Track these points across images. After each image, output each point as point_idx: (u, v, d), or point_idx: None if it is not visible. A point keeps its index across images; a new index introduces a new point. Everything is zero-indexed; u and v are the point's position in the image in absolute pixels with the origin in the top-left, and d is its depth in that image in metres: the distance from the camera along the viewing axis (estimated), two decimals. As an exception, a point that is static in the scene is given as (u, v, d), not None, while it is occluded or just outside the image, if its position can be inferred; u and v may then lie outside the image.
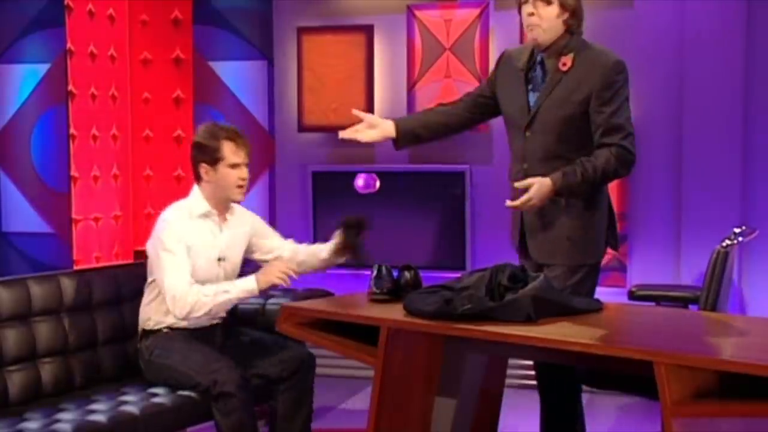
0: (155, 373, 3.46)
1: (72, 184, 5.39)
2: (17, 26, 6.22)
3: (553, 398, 3.38)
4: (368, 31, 5.61)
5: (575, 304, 2.97)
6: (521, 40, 5.29)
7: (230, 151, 3.43)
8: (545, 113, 3.26)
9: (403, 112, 5.57)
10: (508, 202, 3.15)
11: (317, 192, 5.65)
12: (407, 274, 3.20)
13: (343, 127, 5.66)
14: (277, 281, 3.31)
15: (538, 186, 3.11)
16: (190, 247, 3.46)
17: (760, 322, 3.05)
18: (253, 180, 5.91)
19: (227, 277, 3.56)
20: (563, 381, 3.34)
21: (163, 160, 5.65)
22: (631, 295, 4.39)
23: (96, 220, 5.42)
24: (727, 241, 3.58)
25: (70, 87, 5.38)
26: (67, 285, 3.58)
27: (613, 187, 5.18)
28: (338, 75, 5.67)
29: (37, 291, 3.48)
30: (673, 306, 4.14)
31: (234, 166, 3.44)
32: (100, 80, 5.54)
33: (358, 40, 5.64)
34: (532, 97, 3.30)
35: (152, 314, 3.53)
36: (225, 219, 3.57)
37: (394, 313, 3.00)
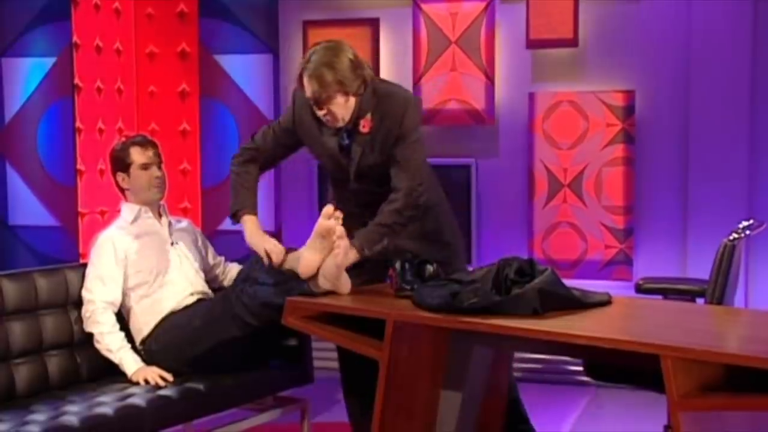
0: (173, 351, 3.46)
1: (78, 178, 5.41)
2: (23, 20, 6.22)
3: None
4: (374, 24, 5.60)
5: (582, 297, 2.97)
6: (527, 34, 5.28)
7: (137, 154, 3.62)
8: (366, 171, 3.38)
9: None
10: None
11: (322, 185, 5.64)
12: (430, 268, 3.19)
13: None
14: (150, 380, 3.38)
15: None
16: (135, 242, 3.56)
17: (767, 315, 3.05)
18: (258, 173, 5.96)
19: (192, 266, 3.66)
20: None
21: (169, 153, 5.62)
22: (638, 289, 4.38)
23: (102, 213, 5.43)
24: (735, 235, 3.56)
25: (76, 80, 5.39)
26: (73, 278, 3.58)
27: (619, 179, 5.23)
28: (344, 68, 5.65)
29: (43, 284, 3.49)
30: (680, 299, 4.13)
31: (144, 166, 3.62)
32: (105, 74, 5.55)
33: (364, 34, 5.62)
34: (347, 158, 3.40)
35: (140, 322, 3.56)
36: (160, 215, 3.71)
37: (401, 306, 3.00)
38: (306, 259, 3.21)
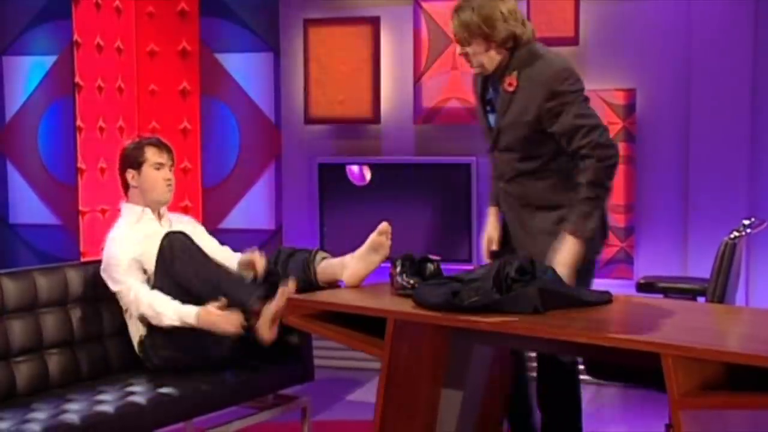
0: (173, 342, 3.45)
1: (79, 176, 5.41)
2: (24, 18, 6.24)
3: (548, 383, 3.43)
4: (375, 22, 5.60)
5: (583, 296, 2.96)
6: (528, 32, 5.27)
7: (152, 154, 3.63)
8: (504, 135, 3.33)
9: (410, 104, 5.57)
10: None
11: (323, 183, 5.65)
12: (430, 266, 3.19)
13: (350, 120, 5.73)
14: (222, 328, 3.32)
15: (558, 254, 3.17)
16: (141, 243, 3.54)
17: (768, 314, 3.04)
18: (259, 172, 5.97)
19: None
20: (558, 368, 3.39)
21: (170, 152, 5.67)
22: (639, 287, 4.38)
23: (103, 212, 5.43)
24: (735, 233, 3.56)
25: (77, 79, 5.39)
26: (74, 277, 3.58)
27: (619, 177, 5.20)
28: (345, 67, 5.66)
29: (44, 283, 3.49)
30: (680, 298, 4.13)
31: (158, 166, 3.63)
32: (106, 72, 5.55)
33: (365, 32, 5.62)
34: (492, 119, 3.38)
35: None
36: (161, 215, 3.70)
37: (401, 304, 3.00)
38: (353, 269, 3.32)
